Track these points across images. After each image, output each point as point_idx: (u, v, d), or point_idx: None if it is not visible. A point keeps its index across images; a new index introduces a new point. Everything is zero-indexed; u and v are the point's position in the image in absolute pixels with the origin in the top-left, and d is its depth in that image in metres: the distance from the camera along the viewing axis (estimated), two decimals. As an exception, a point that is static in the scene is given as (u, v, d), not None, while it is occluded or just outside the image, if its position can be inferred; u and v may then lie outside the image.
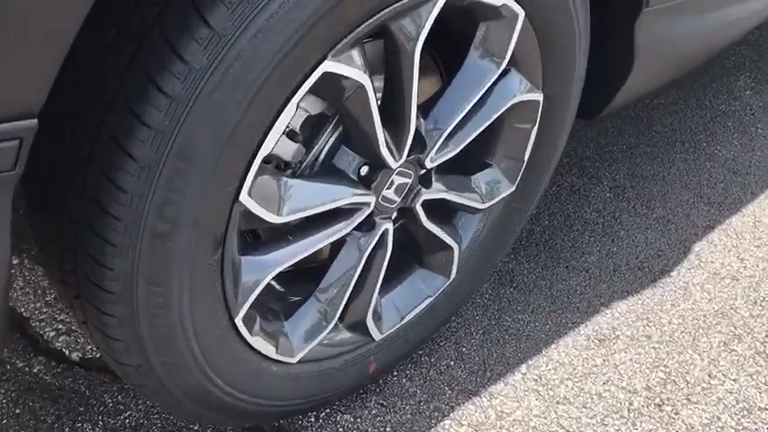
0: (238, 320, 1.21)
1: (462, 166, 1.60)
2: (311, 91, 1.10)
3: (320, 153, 1.29)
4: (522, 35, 1.35)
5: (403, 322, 1.59)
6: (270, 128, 1.04)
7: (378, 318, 1.54)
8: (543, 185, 1.69)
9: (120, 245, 0.98)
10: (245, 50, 0.93)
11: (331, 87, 1.11)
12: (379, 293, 1.56)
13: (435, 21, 1.16)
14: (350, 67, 1.08)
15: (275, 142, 1.06)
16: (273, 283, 1.43)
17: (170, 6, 0.92)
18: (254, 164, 1.05)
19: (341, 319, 1.49)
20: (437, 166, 1.44)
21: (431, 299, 1.62)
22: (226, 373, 1.25)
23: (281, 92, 1.01)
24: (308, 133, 1.25)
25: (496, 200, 1.60)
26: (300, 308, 1.39)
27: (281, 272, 1.29)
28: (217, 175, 0.99)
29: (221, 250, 1.10)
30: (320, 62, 1.04)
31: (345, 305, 1.47)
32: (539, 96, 1.49)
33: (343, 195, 1.25)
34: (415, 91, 1.22)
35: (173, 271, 1.03)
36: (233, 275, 1.17)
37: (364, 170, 1.29)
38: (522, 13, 1.30)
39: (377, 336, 1.54)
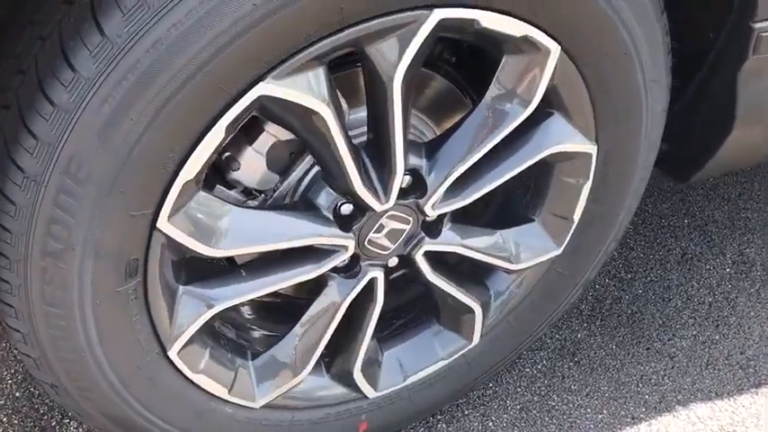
0: (173, 354, 1.10)
1: (490, 217, 1.38)
2: (265, 115, 0.96)
3: (297, 184, 1.15)
4: (562, 75, 1.11)
5: (405, 383, 1.40)
6: (191, 151, 0.91)
7: (373, 373, 1.37)
8: (601, 253, 1.42)
9: (11, 258, 0.91)
10: (141, 62, 0.81)
11: (280, 113, 0.96)
12: (382, 346, 1.39)
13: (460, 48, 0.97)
14: (299, 92, 0.93)
15: (201, 167, 0.93)
16: (245, 314, 1.31)
17: (72, 9, 0.82)
18: (172, 188, 0.93)
19: (327, 368, 1.34)
20: (450, 214, 1.25)
21: (445, 362, 1.41)
22: (158, 408, 1.14)
23: (196, 112, 0.88)
24: (281, 161, 1.11)
25: (534, 262, 1.36)
26: (271, 348, 1.26)
27: (256, 304, 1.17)
28: (114, 198, 0.89)
29: (140, 278, 0.99)
30: (255, 83, 0.89)
31: (330, 354, 1.32)
32: (591, 149, 1.23)
33: (309, 234, 1.10)
34: (399, 126, 1.04)
35: (70, 294, 0.94)
36: (167, 306, 1.06)
37: (346, 209, 1.13)
38: (555, 49, 1.07)
39: (370, 393, 1.37)
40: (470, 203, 1.33)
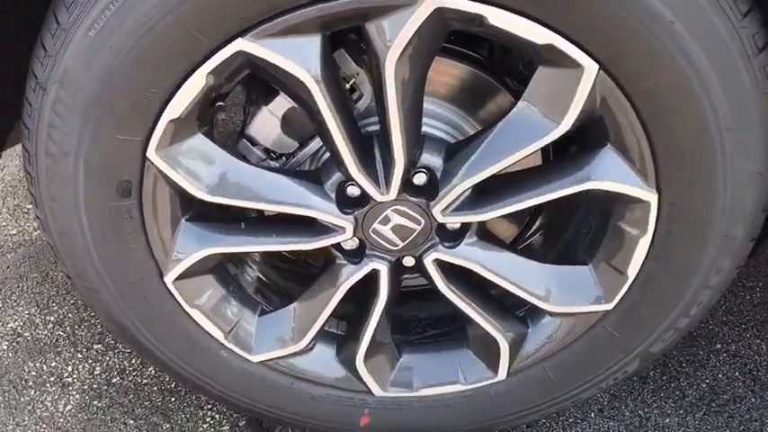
0: (168, 281, 1.18)
1: (549, 249, 1.25)
2: (259, 74, 0.99)
3: (314, 156, 1.16)
4: (606, 100, 0.97)
5: (417, 394, 1.33)
6: (173, 93, 0.97)
7: (383, 371, 1.32)
8: (665, 325, 1.20)
9: (30, 152, 1.06)
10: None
11: (271, 76, 0.98)
12: (402, 349, 1.34)
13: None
14: (277, 55, 0.93)
15: (186, 109, 0.99)
16: (273, 276, 1.35)
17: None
18: (158, 124, 1.00)
19: (338, 350, 1.33)
20: (479, 228, 1.15)
21: (464, 387, 1.32)
22: (153, 329, 1.23)
23: (173, 55, 0.93)
24: (299, 128, 1.12)
25: (576, 309, 1.20)
26: (276, 312, 1.28)
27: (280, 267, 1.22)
28: (99, 117, 0.98)
29: (135, 201, 1.08)
30: (234, 38, 0.92)
31: (343, 338, 1.31)
32: (649, 196, 1.05)
33: (304, 205, 1.10)
34: (395, 113, 0.99)
35: (67, 195, 1.06)
36: (166, 234, 1.14)
37: (351, 191, 1.11)
38: (591, 66, 0.93)
39: (375, 390, 1.33)
40: (531, 230, 1.22)
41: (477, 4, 0.89)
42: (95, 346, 1.67)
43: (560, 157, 1.21)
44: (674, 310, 1.18)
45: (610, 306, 1.19)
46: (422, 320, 1.42)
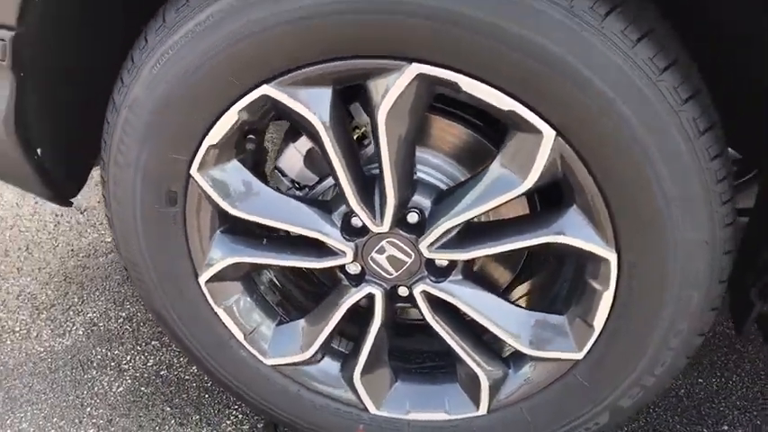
0: (201, 281, 1.41)
1: (526, 294, 1.38)
2: (282, 115, 1.22)
3: (329, 189, 1.36)
4: (566, 163, 1.12)
5: (407, 417, 1.48)
6: (212, 124, 1.21)
7: (380, 391, 1.48)
8: (630, 380, 1.30)
9: (104, 160, 1.33)
10: (177, 44, 1.14)
11: (291, 118, 1.20)
12: (398, 375, 1.50)
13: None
14: (294, 101, 1.16)
15: (222, 138, 1.22)
16: (284, 290, 1.55)
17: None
18: (201, 147, 1.24)
19: (342, 365, 1.50)
20: (465, 268, 1.31)
21: (448, 417, 1.45)
22: (186, 321, 1.46)
23: (213, 94, 1.17)
24: (319, 165, 1.34)
25: (549, 355, 1.32)
26: (290, 323, 1.48)
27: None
28: (157, 138, 1.23)
29: (179, 210, 1.32)
30: (260, 84, 1.16)
31: (348, 354, 1.48)
32: (608, 255, 1.18)
33: (314, 228, 1.30)
34: (387, 159, 1.18)
35: (126, 198, 1.32)
36: (204, 241, 1.37)
37: (355, 222, 1.30)
38: (549, 133, 1.09)
39: (371, 407, 1.49)
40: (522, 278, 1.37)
41: (451, 72, 1.08)
42: (153, 342, 1.92)
43: (539, 211, 1.35)
44: (638, 367, 1.28)
45: (580, 356, 1.30)
46: (423, 353, 1.57)
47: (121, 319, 2.00)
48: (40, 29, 1.23)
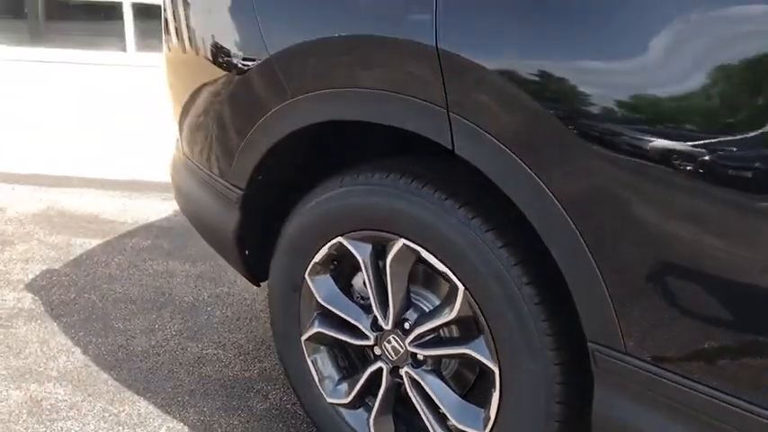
0: (303, 339, 2.49)
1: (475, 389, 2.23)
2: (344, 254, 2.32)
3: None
4: (473, 309, 2.03)
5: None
6: (317, 251, 2.35)
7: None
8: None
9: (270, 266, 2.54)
10: (303, 215, 2.32)
11: (348, 253, 2.29)
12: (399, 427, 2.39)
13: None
14: (351, 248, 2.25)
15: (320, 261, 2.34)
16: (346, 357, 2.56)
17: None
18: (310, 264, 2.37)
19: (368, 415, 2.45)
20: (433, 361, 2.23)
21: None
22: (292, 365, 2.55)
23: (317, 236, 2.31)
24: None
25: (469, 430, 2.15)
26: (345, 377, 2.49)
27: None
28: (293, 253, 2.40)
29: (298, 294, 2.45)
30: (335, 237, 2.27)
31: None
32: (493, 366, 2.03)
33: (353, 318, 2.33)
34: (390, 286, 2.19)
35: (278, 283, 2.49)
36: (308, 315, 2.48)
37: (378, 321, 2.30)
38: (462, 288, 2.03)
39: (378, 446, 2.41)
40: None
41: (415, 245, 2.08)
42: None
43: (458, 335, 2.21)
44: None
45: (486, 437, 2.11)
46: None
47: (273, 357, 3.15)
48: (258, 190, 2.50)
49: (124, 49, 8.12)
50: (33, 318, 3.49)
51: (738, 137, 1.44)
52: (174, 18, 2.82)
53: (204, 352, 3.24)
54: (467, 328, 2.16)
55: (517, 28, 1.72)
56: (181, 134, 2.90)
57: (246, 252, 2.63)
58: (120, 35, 8.09)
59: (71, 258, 4.12)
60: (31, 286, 3.80)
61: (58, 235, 4.44)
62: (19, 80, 7.54)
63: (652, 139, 1.53)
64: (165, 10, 2.90)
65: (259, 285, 2.78)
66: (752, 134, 1.43)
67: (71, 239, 4.38)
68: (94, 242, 4.34)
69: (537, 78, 1.67)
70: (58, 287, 3.79)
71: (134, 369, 3.10)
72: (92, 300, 3.67)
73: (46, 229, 4.54)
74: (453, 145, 1.89)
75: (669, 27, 1.51)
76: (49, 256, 4.14)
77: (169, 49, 2.90)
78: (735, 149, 1.45)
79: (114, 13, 8.11)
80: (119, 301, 3.65)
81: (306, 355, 2.52)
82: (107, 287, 3.79)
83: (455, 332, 2.22)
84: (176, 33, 2.80)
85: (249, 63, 2.32)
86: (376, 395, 2.41)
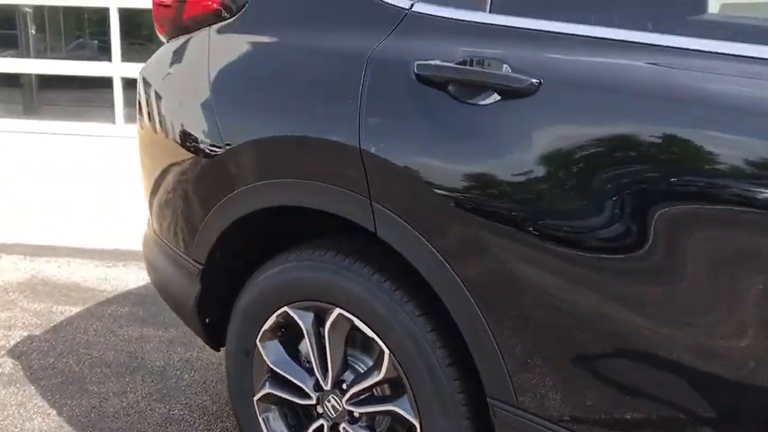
0: (255, 399, 2.76)
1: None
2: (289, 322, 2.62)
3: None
4: (397, 371, 2.33)
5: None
6: (266, 320, 2.64)
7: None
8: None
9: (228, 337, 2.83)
10: (255, 287, 2.63)
11: (293, 322, 2.59)
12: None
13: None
14: (296, 317, 2.55)
15: (269, 329, 2.64)
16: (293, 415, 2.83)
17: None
18: (260, 331, 2.66)
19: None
20: (367, 419, 2.50)
21: None
22: (242, 413, 2.81)
23: (264, 308, 2.61)
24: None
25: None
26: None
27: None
28: (247, 321, 2.69)
29: (250, 360, 2.73)
30: (282, 306, 2.57)
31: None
32: (414, 421, 2.31)
33: (299, 379, 2.61)
34: (329, 351, 2.48)
35: (234, 351, 2.78)
36: (260, 378, 2.75)
37: (319, 382, 2.58)
38: (386, 351, 2.32)
39: (321, 495, 2.66)
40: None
41: (349, 314, 2.38)
42: None
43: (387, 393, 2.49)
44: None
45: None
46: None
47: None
48: (216, 265, 2.81)
49: (113, 121, 8.51)
50: (12, 382, 3.73)
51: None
52: (147, 104, 3.16)
53: (171, 413, 3.49)
54: (395, 388, 2.44)
55: (425, 135, 2.07)
56: (151, 211, 3.22)
57: (207, 320, 2.92)
58: (111, 104, 8.49)
59: (51, 325, 4.38)
60: (11, 352, 4.05)
61: (41, 303, 4.71)
62: (7, 150, 7.89)
63: (518, 232, 1.87)
64: (139, 95, 3.25)
65: (219, 350, 3.06)
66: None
67: (53, 307, 4.64)
68: (75, 309, 4.61)
69: (440, 175, 2.02)
70: (37, 352, 4.04)
71: (105, 429, 3.34)
72: (69, 364, 3.92)
73: (29, 297, 4.81)
74: (376, 229, 2.21)
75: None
76: (31, 322, 4.41)
77: (142, 128, 3.22)
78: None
79: (106, 82, 8.52)
80: (95, 365, 3.91)
81: (258, 414, 2.78)
82: (84, 352, 4.05)
83: (387, 391, 2.50)
84: (149, 117, 3.14)
85: (209, 152, 2.65)
86: (319, 449, 2.67)
